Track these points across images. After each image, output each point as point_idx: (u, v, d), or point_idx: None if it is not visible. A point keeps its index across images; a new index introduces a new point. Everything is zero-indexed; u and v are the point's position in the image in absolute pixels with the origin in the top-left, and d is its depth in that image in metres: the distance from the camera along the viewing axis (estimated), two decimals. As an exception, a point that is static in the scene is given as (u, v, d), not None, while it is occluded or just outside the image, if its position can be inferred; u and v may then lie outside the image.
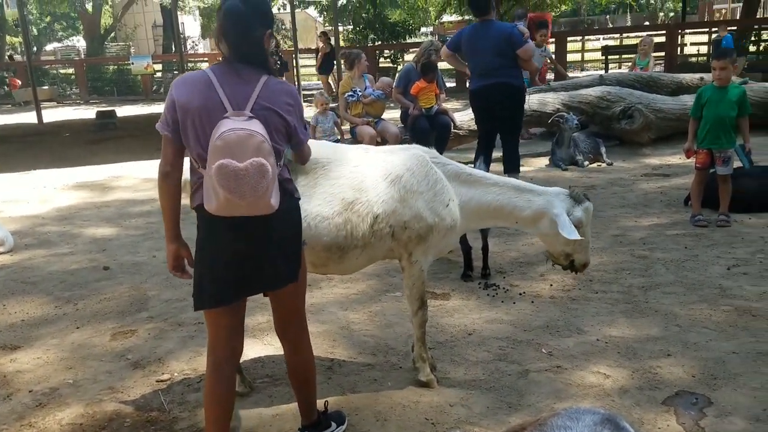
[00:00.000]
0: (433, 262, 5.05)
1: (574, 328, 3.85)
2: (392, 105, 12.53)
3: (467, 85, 6.86)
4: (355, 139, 8.47)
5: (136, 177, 9.13)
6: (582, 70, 25.99)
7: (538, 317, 4.03)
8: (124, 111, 18.25)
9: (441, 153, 8.14)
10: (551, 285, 4.54)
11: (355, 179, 3.01)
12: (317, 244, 2.93)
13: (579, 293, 4.38)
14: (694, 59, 21.61)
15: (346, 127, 9.11)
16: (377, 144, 8.32)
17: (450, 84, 21.77)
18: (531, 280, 4.68)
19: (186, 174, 2.46)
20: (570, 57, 22.41)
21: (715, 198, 5.86)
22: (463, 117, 9.27)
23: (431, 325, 3.93)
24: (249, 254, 2.38)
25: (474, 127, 8.90)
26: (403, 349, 3.67)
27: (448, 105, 13.37)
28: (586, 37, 27.02)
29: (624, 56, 22.38)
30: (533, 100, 9.24)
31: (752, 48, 20.84)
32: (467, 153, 9.47)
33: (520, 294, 4.43)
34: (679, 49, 21.24)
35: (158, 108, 20.62)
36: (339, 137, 8.50)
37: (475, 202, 3.23)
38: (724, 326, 3.75)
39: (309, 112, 16.26)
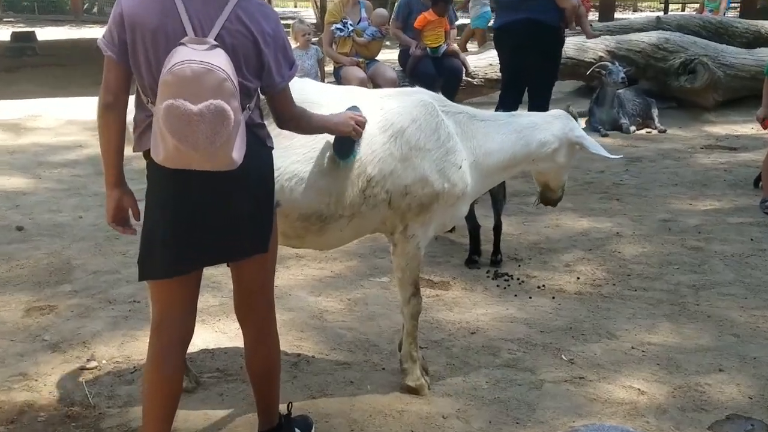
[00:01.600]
0: (432, 241, 5.13)
1: (603, 331, 3.89)
2: (389, 43, 12.50)
3: (490, 22, 6.85)
4: (340, 82, 8.44)
5: (59, 117, 9.08)
6: (635, 10, 25.93)
7: (560, 317, 4.07)
8: (46, 33, 18.08)
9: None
10: (578, 278, 4.58)
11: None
12: (292, 211, 2.93)
13: (613, 289, 4.43)
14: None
15: (330, 67, 9.07)
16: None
17: (464, 20, 21.71)
18: (553, 271, 4.72)
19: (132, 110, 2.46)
20: (620, -7, 22.28)
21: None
22: (479, 62, 9.26)
23: (425, 319, 3.95)
24: (209, 214, 2.40)
25: (492, 75, 8.93)
26: (388, 347, 3.70)
27: (456, 47, 13.34)
28: (644, -31, 26.92)
29: (689, -5, 22.35)
30: (569, 45, 9.21)
31: None
32: (483, 108, 9.49)
33: (539, 287, 4.47)
34: (760, -11, 21.14)
35: (90, 32, 20.44)
36: (320, 79, 8.46)
37: (495, 155, 3.33)
38: (793, 338, 3.81)
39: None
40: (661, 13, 17.83)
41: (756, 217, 5.68)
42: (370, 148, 2.99)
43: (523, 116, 3.54)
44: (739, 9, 17.87)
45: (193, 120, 2.16)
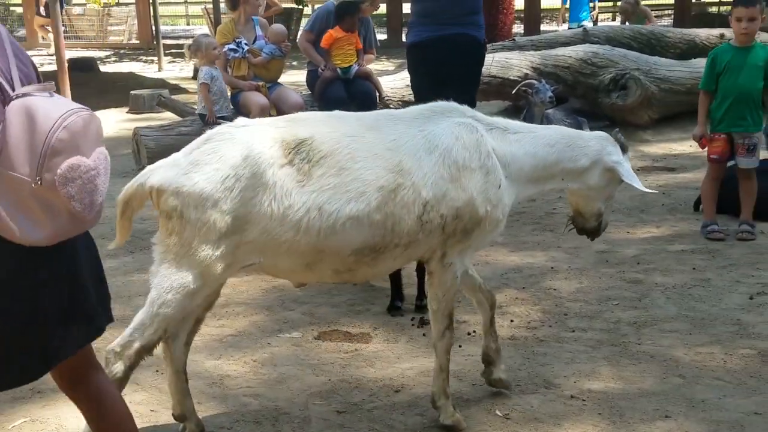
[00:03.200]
0: (347, 287, 5.12)
1: (540, 380, 3.90)
2: (296, 63, 12.50)
3: (406, 37, 6.88)
4: (238, 110, 8.34)
5: None
6: (564, 21, 26.62)
7: (493, 366, 4.06)
8: None
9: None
10: (512, 321, 4.59)
11: (392, 158, 3.15)
12: (344, 248, 3.09)
13: (549, 332, 4.46)
14: (714, 9, 22.45)
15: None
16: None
17: (380, 35, 21.93)
18: (485, 314, 4.73)
19: None
20: (545, 2, 22.90)
21: (735, 201, 6.07)
22: (395, 83, 9.32)
23: (342, 378, 3.93)
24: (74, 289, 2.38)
25: (411, 97, 8.97)
26: (301, 414, 3.64)
27: (375, 66, 13.42)
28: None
29: (620, 3, 23.06)
30: (493, 63, 9.36)
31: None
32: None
33: (469, 333, 4.47)
34: (693, -5, 21.98)
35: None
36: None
37: (527, 169, 3.49)
38: (744, 377, 3.88)
39: (172, 69, 16.05)
40: (589, 24, 18.33)
41: (697, 244, 5.82)
42: (422, 171, 3.16)
43: (560, 129, 3.76)
44: (672, 17, 18.52)
45: (92, 175, 2.15)
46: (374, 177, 3.08)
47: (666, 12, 23.14)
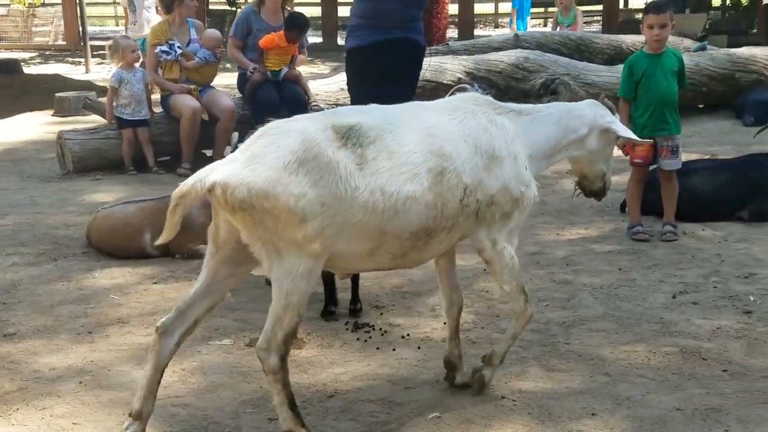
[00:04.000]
0: (269, 293, 5.02)
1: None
2: (229, 66, 12.42)
3: (346, 41, 6.90)
4: (168, 112, 8.30)
5: None
6: (496, 26, 27.00)
7: (427, 369, 4.12)
8: None
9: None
10: (444, 323, 4.65)
11: (434, 143, 3.37)
12: (404, 231, 3.29)
13: (482, 333, 4.54)
14: (640, 16, 22.88)
15: (156, 96, 8.91)
16: (201, 122, 8.20)
17: (316, 39, 21.96)
18: (418, 317, 4.80)
19: None
20: (479, 7, 23.16)
21: (658, 202, 6.26)
22: (328, 86, 9.35)
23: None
24: None
25: (345, 101, 9.02)
26: (232, 423, 3.63)
27: (310, 69, 13.39)
28: (501, -18, 28.02)
29: (551, 9, 23.44)
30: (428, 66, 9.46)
31: (715, 1, 22.49)
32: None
33: (403, 337, 4.52)
34: (621, 1, 22.50)
35: None
36: (149, 107, 8.29)
37: (542, 147, 3.80)
38: (666, 374, 4.01)
39: (99, 71, 15.67)
40: (520, 30, 18.62)
41: (623, 245, 5.98)
42: (460, 158, 3.40)
43: (559, 105, 4.05)
44: (601, 23, 18.91)
45: None
46: (422, 160, 3.30)
47: (595, 18, 23.59)
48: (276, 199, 3.05)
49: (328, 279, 4.84)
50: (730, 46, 14.82)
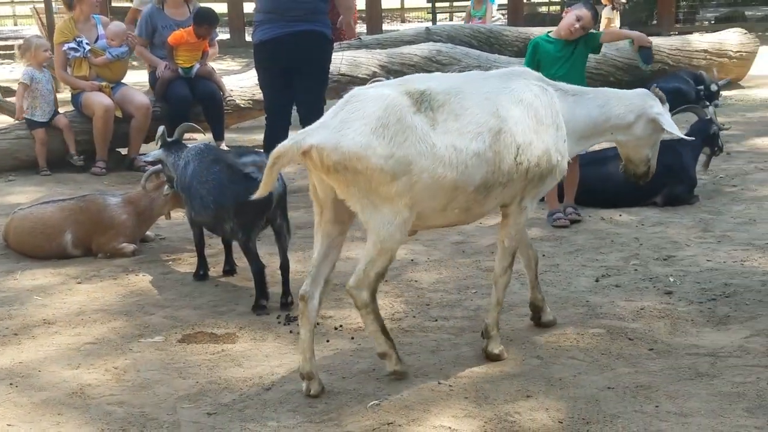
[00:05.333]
0: (208, 288, 5.08)
1: (409, 369, 3.98)
2: (137, 62, 12.20)
3: (252, 36, 6.88)
4: (80, 111, 8.12)
5: None
6: (403, 21, 27.16)
7: (361, 358, 4.15)
8: None
9: (217, 133, 8.19)
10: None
11: (490, 105, 3.69)
12: (469, 185, 3.62)
13: (414, 322, 4.58)
14: (544, 9, 23.47)
15: (65, 93, 8.70)
16: (114, 119, 8.05)
17: (224, 35, 21.68)
18: (350, 309, 4.77)
19: None
20: (386, 3, 23.26)
21: (582, 189, 6.40)
22: (243, 81, 9.29)
23: (211, 380, 3.92)
24: None
25: (258, 96, 8.98)
26: (169, 419, 3.59)
27: (220, 66, 13.26)
28: (407, -23, 28.21)
29: (456, 4, 23.75)
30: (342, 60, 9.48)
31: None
32: (253, 133, 9.51)
33: (336, 328, 4.53)
34: (525, -5, 22.85)
35: None
36: (55, 107, 8.10)
37: (581, 127, 4.08)
38: (595, 355, 4.12)
39: (1, 71, 15.23)
40: (430, 24, 18.78)
41: (545, 231, 6.11)
42: (513, 119, 3.71)
43: (607, 91, 4.30)
44: (507, 16, 19.21)
45: None
46: (483, 120, 3.63)
47: (500, 11, 23.95)
48: (367, 160, 3.39)
49: (259, 273, 4.80)
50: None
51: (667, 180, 6.44)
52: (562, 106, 3.97)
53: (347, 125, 3.45)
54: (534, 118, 3.80)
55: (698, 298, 4.75)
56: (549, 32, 6.31)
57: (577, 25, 6.00)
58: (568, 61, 6.08)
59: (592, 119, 4.11)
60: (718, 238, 5.78)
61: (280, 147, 3.50)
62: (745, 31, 11.91)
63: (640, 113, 4.15)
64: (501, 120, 3.67)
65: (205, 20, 8.11)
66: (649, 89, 4.27)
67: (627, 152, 4.37)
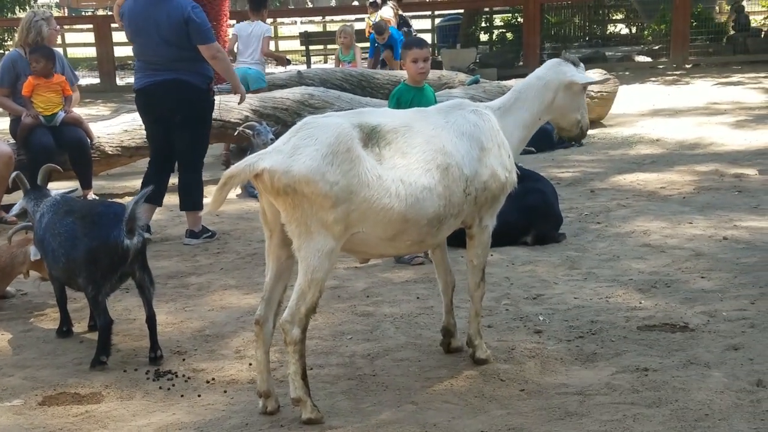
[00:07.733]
0: (72, 345, 4.84)
1: (282, 422, 3.91)
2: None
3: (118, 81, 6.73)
4: None
5: None
6: (277, 64, 27.05)
7: (234, 413, 4.03)
8: None
9: (85, 182, 7.95)
10: (250, 364, 4.56)
11: (437, 142, 3.93)
12: (422, 218, 3.84)
13: (287, 371, 4.46)
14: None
15: None
16: None
17: (92, 79, 21.17)
18: (223, 360, 4.67)
19: None
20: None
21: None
22: (111, 128, 9.04)
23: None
24: None
25: (129, 142, 8.76)
26: None
27: (89, 111, 12.92)
28: (279, 20, 28.29)
29: (330, 46, 23.87)
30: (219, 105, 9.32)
31: (483, 37, 23.75)
32: (130, 179, 9.25)
33: (208, 382, 4.40)
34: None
35: None
36: None
37: (519, 132, 4.34)
38: (469, 398, 4.11)
39: None
40: (303, 67, 18.80)
41: (418, 273, 6.11)
42: (459, 153, 3.96)
43: (522, 85, 4.43)
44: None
45: None
46: (431, 157, 3.86)
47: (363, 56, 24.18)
48: (315, 185, 3.57)
49: (105, 326, 4.56)
50: (499, 78, 15.74)
51: (534, 220, 6.58)
52: (499, 121, 4.21)
53: (299, 151, 3.62)
54: (477, 147, 4.03)
55: (566, 336, 4.83)
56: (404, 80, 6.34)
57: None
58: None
59: (524, 122, 4.34)
60: (585, 275, 5.91)
61: (233, 168, 3.65)
62: (605, 72, 12.32)
63: (557, 87, 4.33)
64: (447, 156, 3.90)
65: (33, 52, 7.79)
66: (561, 56, 4.48)
67: (558, 122, 4.56)
